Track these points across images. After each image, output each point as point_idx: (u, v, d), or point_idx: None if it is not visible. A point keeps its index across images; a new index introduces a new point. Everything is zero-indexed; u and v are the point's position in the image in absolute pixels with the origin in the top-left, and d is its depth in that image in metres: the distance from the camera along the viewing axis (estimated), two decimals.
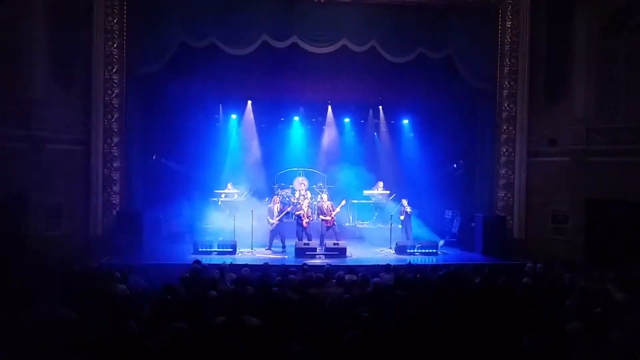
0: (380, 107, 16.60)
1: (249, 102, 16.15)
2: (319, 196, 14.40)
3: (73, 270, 8.67)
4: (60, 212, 11.78)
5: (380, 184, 15.68)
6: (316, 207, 14.17)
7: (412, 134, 16.50)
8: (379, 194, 15.56)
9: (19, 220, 10.80)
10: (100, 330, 5.45)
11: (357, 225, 15.54)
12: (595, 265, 9.63)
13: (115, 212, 12.38)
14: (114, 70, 12.31)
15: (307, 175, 16.32)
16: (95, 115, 12.25)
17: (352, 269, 9.30)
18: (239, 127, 16.31)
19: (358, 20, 12.92)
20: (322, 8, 12.75)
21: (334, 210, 13.15)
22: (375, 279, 8.31)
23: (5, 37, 10.82)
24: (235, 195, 14.71)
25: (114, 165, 12.46)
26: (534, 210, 13.20)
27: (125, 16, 12.30)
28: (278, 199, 13.66)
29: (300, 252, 12.23)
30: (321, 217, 13.30)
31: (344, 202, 13.55)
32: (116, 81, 12.34)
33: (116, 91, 12.36)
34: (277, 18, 12.73)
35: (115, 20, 12.21)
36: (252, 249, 12.82)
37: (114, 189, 12.47)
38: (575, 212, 12.59)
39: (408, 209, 13.48)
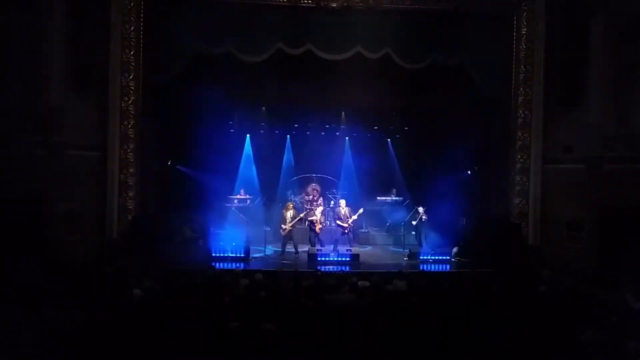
0: (394, 113, 16.58)
1: (263, 108, 16.25)
2: (332, 202, 14.38)
3: (89, 274, 8.76)
4: (77, 216, 11.89)
5: (394, 190, 15.64)
6: (332, 212, 14.14)
7: (425, 141, 16.42)
8: (392, 200, 15.53)
9: (36, 225, 10.93)
10: (115, 335, 5.51)
11: (371, 232, 15.50)
12: (611, 273, 9.53)
13: (130, 217, 12.49)
14: (131, 77, 12.44)
15: (321, 181, 16.34)
16: (112, 122, 12.38)
17: (365, 276, 9.29)
18: (252, 134, 16.39)
19: (372, 28, 12.92)
20: (336, 15, 12.79)
21: (351, 217, 13.15)
22: (388, 285, 8.30)
23: (24, 46, 11.01)
24: (249, 201, 14.78)
25: (130, 170, 12.57)
26: (549, 218, 13.05)
27: (142, 24, 12.45)
28: (291, 205, 13.69)
29: (313, 258, 12.24)
30: (338, 222, 13.29)
31: (361, 210, 13.42)
32: (132, 88, 12.48)
33: (132, 98, 12.49)
34: (292, 26, 12.81)
35: (132, 28, 12.36)
36: (265, 254, 12.86)
37: (129, 194, 12.56)
38: (591, 220, 12.45)
39: (424, 216, 13.43)
